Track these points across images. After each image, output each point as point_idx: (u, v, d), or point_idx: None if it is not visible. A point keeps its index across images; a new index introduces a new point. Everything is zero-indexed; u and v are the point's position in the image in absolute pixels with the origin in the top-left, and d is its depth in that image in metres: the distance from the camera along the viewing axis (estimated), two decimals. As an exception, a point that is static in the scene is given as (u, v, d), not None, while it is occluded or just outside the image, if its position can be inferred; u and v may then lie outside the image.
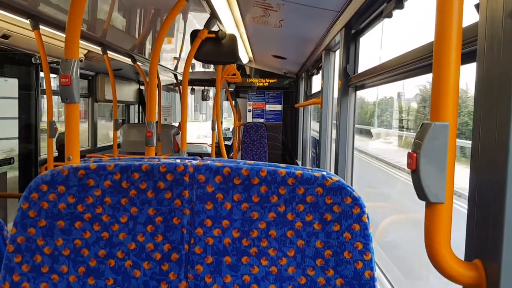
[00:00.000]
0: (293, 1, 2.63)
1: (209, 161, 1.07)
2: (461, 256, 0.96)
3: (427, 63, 1.49)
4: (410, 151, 0.88)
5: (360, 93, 2.79)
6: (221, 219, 1.04)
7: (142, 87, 8.04)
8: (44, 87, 3.20)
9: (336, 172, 2.85)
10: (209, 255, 1.04)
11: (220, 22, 3.12)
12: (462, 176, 1.12)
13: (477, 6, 0.98)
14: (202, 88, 8.55)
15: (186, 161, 1.07)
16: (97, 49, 4.07)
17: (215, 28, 2.87)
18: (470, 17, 1.01)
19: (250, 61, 6.51)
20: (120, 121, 7.64)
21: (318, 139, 4.18)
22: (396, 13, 1.85)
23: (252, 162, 1.08)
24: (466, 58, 1.02)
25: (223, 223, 1.04)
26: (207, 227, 1.04)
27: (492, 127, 0.87)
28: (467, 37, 1.00)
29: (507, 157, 0.82)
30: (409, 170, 0.90)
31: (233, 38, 2.83)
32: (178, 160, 1.07)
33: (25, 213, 1.04)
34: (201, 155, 6.88)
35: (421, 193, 0.87)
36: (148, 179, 1.05)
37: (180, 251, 1.04)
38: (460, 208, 1.34)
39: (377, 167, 5.81)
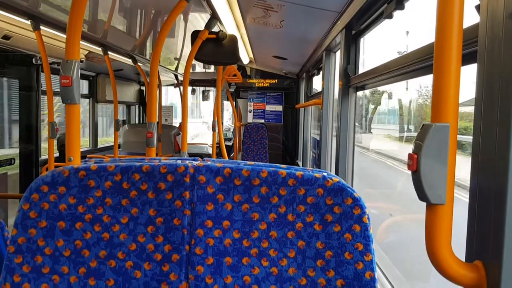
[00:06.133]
0: (294, 1, 2.63)
1: (209, 162, 1.07)
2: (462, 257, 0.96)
3: (428, 64, 1.49)
4: (410, 152, 0.88)
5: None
6: (221, 220, 1.04)
7: (143, 88, 8.05)
8: (45, 88, 3.21)
9: (336, 173, 2.85)
10: (209, 255, 1.04)
11: (221, 23, 3.12)
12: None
13: (477, 7, 0.98)
14: (203, 88, 8.56)
15: (187, 162, 1.07)
16: (98, 49, 4.07)
17: (215, 29, 2.87)
18: (471, 18, 1.01)
19: (250, 61, 6.51)
20: (121, 121, 7.65)
21: (318, 139, 4.18)
22: (396, 13, 1.85)
23: (252, 163, 1.08)
24: (467, 59, 1.02)
25: (223, 224, 1.04)
26: (208, 228, 1.04)
27: (493, 128, 0.87)
28: (467, 38, 1.00)
29: (508, 158, 0.82)
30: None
31: (233, 39, 2.83)
32: (179, 161, 1.07)
33: (26, 213, 1.04)
34: (202, 155, 6.89)
35: (421, 194, 0.87)
36: (148, 180, 1.05)
37: (181, 251, 1.04)
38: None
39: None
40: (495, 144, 0.87)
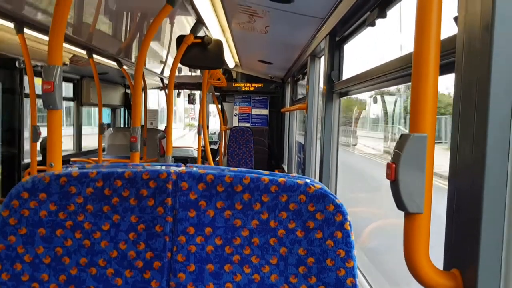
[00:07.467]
0: (278, 8, 2.65)
1: (192, 168, 1.07)
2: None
3: (408, 72, 1.51)
4: (389, 162, 0.90)
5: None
6: (204, 226, 1.05)
7: (128, 91, 8.00)
8: (28, 91, 3.17)
9: (320, 179, 2.87)
10: (191, 263, 1.04)
11: (206, 28, 3.12)
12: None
13: (455, 19, 1.00)
14: (189, 91, 8.54)
15: (170, 168, 1.07)
16: (82, 52, 4.04)
17: (201, 33, 2.87)
18: (449, 29, 1.03)
19: (236, 65, 6.51)
20: (106, 125, 7.58)
21: (303, 143, 4.19)
22: (378, 22, 1.88)
23: (235, 169, 1.09)
24: (445, 69, 1.04)
25: (206, 231, 1.05)
26: (190, 235, 1.04)
27: (470, 137, 0.89)
28: (445, 49, 1.02)
29: (484, 167, 0.84)
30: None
31: (219, 44, 2.83)
32: (162, 167, 1.07)
33: (5, 220, 1.03)
34: (187, 159, 6.85)
35: (400, 204, 0.88)
36: (131, 186, 1.05)
37: (163, 259, 1.04)
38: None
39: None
40: (471, 152, 0.88)
